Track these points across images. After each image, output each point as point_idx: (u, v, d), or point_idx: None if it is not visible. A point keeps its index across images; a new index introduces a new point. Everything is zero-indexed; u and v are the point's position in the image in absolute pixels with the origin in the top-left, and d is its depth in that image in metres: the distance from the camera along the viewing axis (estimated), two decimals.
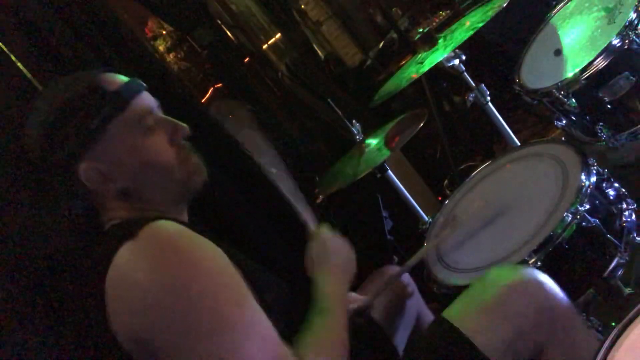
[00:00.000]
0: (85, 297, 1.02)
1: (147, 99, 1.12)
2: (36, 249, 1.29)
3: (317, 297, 1.16)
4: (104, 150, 1.06)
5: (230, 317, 0.93)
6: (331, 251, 1.27)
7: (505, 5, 1.82)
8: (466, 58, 1.96)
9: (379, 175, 2.12)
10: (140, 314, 0.93)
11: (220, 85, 4.24)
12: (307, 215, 1.39)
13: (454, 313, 1.22)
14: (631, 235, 1.45)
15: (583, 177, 1.43)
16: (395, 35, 4.12)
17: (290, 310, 1.13)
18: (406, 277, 1.66)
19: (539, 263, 1.35)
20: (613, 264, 1.39)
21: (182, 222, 1.08)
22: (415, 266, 1.53)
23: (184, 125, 1.14)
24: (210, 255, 0.99)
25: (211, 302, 0.93)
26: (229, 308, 0.94)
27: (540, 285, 1.19)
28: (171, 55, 4.51)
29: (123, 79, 1.11)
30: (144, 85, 1.14)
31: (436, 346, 1.20)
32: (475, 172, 1.87)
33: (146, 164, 1.08)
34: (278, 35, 4.54)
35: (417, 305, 1.67)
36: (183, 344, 0.91)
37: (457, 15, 3.25)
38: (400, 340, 1.56)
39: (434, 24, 3.68)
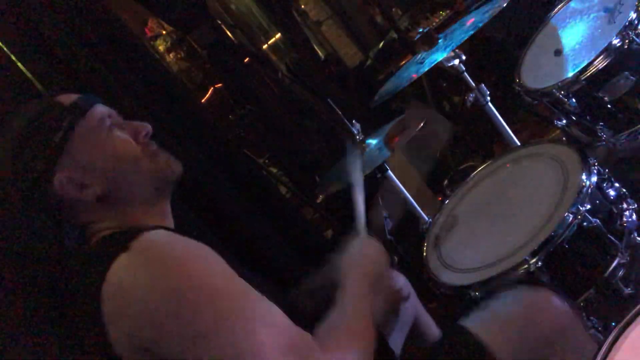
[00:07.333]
0: (80, 312, 1.02)
1: (103, 108, 1.16)
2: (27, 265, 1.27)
3: (340, 295, 1.16)
4: (73, 158, 1.09)
5: (235, 311, 0.95)
6: (367, 256, 1.28)
7: (505, 5, 1.81)
8: (466, 58, 1.96)
9: (379, 175, 2.11)
10: (145, 325, 0.94)
11: (220, 85, 4.24)
12: (359, 222, 1.40)
13: (472, 324, 1.28)
14: (632, 236, 1.44)
15: (584, 177, 1.43)
16: (395, 35, 4.12)
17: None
18: (402, 280, 1.65)
19: (539, 263, 1.35)
20: (614, 264, 1.39)
21: (168, 229, 1.10)
22: (414, 266, 1.52)
23: (146, 124, 1.17)
24: (205, 256, 1.00)
25: (214, 301, 0.94)
26: (232, 303, 0.95)
27: (551, 303, 1.29)
28: (171, 55, 4.51)
29: (77, 95, 1.16)
30: (99, 99, 1.18)
31: (454, 354, 1.25)
32: (475, 172, 1.86)
33: (113, 159, 1.11)
34: (278, 35, 4.55)
35: (413, 308, 1.66)
36: (193, 347, 0.92)
37: (457, 15, 3.26)
38: (395, 342, 1.55)
39: (434, 24, 3.69)
